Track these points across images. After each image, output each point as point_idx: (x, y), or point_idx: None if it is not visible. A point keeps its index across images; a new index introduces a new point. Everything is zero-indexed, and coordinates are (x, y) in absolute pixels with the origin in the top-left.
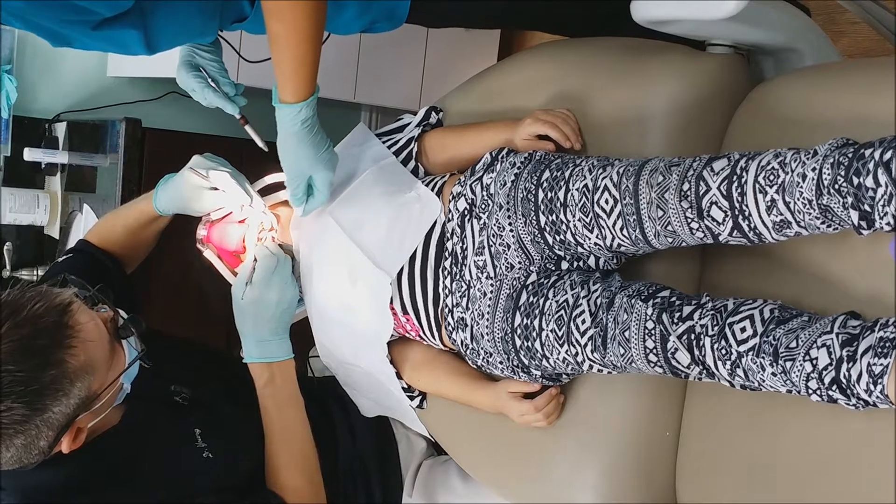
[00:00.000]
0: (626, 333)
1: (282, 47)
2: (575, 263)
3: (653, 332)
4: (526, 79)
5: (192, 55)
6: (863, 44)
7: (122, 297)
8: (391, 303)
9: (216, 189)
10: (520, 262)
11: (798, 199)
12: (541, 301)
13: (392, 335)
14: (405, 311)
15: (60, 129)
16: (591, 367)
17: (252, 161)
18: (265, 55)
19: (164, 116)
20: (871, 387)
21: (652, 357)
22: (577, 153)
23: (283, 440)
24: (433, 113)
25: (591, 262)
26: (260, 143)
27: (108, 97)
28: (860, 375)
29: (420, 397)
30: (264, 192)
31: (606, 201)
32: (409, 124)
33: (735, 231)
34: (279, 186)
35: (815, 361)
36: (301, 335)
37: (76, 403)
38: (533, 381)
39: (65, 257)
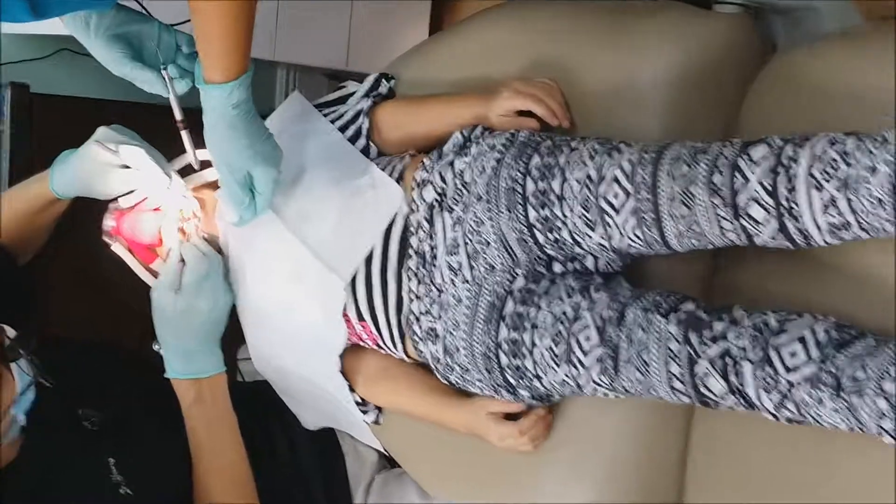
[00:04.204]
0: (645, 356)
1: (206, 12)
2: (570, 265)
3: (677, 354)
4: (494, 42)
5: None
6: None
7: (12, 296)
8: (344, 309)
9: (127, 168)
10: (502, 263)
11: (865, 198)
12: (532, 311)
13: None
14: (360, 318)
15: None
16: (595, 390)
17: (168, 134)
18: (184, 16)
19: (55, 78)
20: None
21: (677, 384)
22: (566, 133)
23: (214, 465)
24: (383, 81)
25: (589, 263)
26: (191, 157)
27: None
28: None
29: (376, 412)
30: (183, 172)
31: (616, 195)
32: (353, 93)
33: (779, 233)
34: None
35: (892, 397)
36: (227, 333)
37: None
38: (518, 401)
39: None
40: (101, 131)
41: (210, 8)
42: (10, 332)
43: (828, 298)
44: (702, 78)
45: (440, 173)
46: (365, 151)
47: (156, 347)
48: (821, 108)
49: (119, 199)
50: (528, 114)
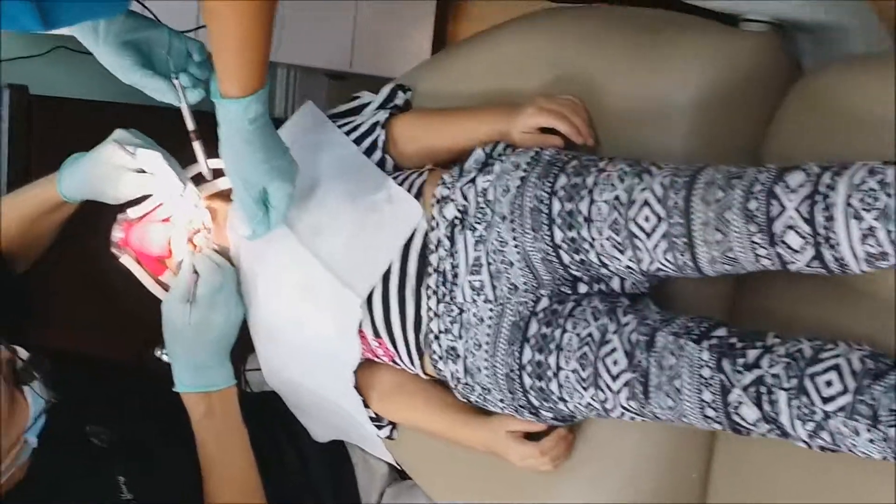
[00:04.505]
0: (676, 382)
1: (223, 23)
2: (595, 286)
3: (710, 381)
4: (516, 55)
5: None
6: None
7: (11, 306)
8: (359, 325)
9: (142, 172)
10: (526, 284)
11: None
12: (557, 333)
13: None
14: (377, 335)
15: None
16: (622, 415)
17: (172, 139)
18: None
19: (51, 78)
20: None
21: (709, 412)
22: (590, 151)
23: (224, 478)
24: (400, 92)
25: (615, 284)
26: (203, 168)
27: None
28: None
29: (390, 427)
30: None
31: (647, 218)
32: (368, 104)
33: (815, 261)
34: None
35: None
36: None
37: None
38: (540, 421)
39: None
40: (119, 133)
41: (228, 22)
42: (23, 353)
43: (859, 324)
44: (729, 97)
45: (461, 191)
46: (380, 164)
47: (158, 354)
48: (849, 131)
49: (128, 209)
50: (550, 130)
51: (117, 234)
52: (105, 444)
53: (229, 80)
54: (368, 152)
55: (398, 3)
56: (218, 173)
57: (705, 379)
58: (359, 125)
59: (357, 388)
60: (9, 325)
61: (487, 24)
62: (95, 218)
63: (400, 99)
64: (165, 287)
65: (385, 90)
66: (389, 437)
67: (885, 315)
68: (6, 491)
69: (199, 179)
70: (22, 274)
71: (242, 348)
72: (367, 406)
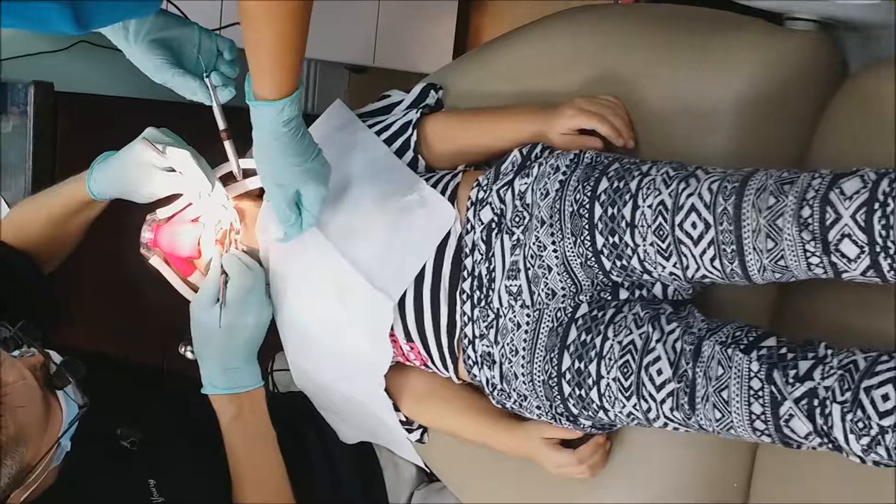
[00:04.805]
0: (724, 394)
1: (259, 27)
2: (636, 292)
3: (760, 393)
4: (552, 54)
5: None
6: None
7: (39, 308)
8: (391, 328)
9: (172, 171)
10: (564, 289)
11: None
12: (597, 340)
13: None
14: (409, 339)
15: None
16: (666, 425)
17: (200, 136)
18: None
19: (73, 73)
20: None
21: (759, 424)
22: (628, 152)
23: (254, 482)
24: (432, 91)
25: (657, 290)
26: (234, 168)
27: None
28: None
29: (420, 430)
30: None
31: (694, 225)
32: (398, 104)
33: (870, 270)
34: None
35: None
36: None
37: (6, 483)
38: (578, 429)
39: None
40: (150, 131)
41: (262, 24)
42: (56, 357)
43: None
44: (774, 98)
45: (498, 193)
46: (412, 165)
47: (182, 350)
48: None
49: (157, 210)
50: (589, 131)
51: (147, 234)
52: (135, 446)
53: (264, 82)
54: (400, 153)
55: None
56: (247, 173)
57: (755, 391)
58: (389, 125)
59: (387, 391)
60: (41, 329)
61: (510, 19)
62: (113, 216)
63: (431, 98)
64: (194, 288)
65: (416, 89)
66: (420, 441)
67: None
68: (37, 497)
69: (225, 179)
70: (48, 275)
71: (269, 349)
72: (397, 409)
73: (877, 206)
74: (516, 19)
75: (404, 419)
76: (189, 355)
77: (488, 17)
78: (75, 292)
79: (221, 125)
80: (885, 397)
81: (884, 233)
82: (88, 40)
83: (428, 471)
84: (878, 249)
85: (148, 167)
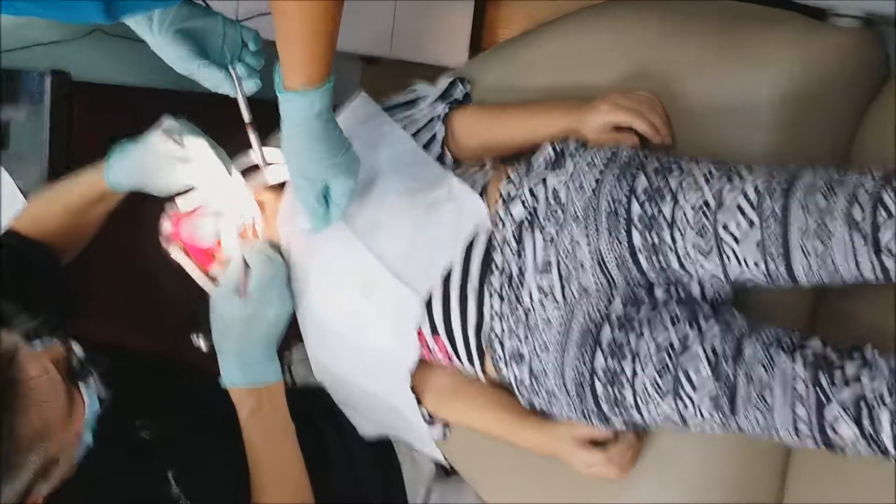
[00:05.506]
0: (767, 396)
1: (291, 14)
2: (672, 291)
3: (805, 396)
4: (586, 48)
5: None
6: None
7: (58, 300)
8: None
9: (190, 162)
10: (598, 287)
11: None
12: (632, 339)
13: None
14: (435, 333)
15: None
16: (702, 427)
17: (218, 126)
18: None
19: (88, 61)
20: None
21: (802, 427)
22: (670, 151)
23: (273, 476)
24: (459, 85)
25: (694, 289)
26: (259, 160)
27: (15, 37)
28: None
29: (442, 426)
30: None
31: (738, 224)
32: (425, 97)
33: None
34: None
35: None
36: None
37: (31, 477)
38: (610, 429)
39: None
40: (167, 121)
41: (294, 10)
42: (79, 350)
43: None
44: (816, 96)
45: (530, 189)
46: (440, 159)
47: (194, 340)
48: None
49: (178, 201)
50: (624, 128)
51: (167, 226)
52: (154, 439)
53: (294, 72)
54: (427, 147)
55: None
56: (270, 163)
57: (799, 393)
58: (416, 118)
59: (411, 387)
60: (60, 320)
61: (526, 13)
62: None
63: (459, 93)
64: (214, 280)
65: (443, 83)
66: (442, 437)
67: None
68: (55, 490)
69: (245, 173)
70: (64, 267)
71: (285, 343)
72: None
73: None
74: (532, 13)
75: (427, 416)
76: (202, 346)
77: (506, 7)
78: (88, 284)
79: (247, 117)
80: None
81: None
82: (103, 29)
83: (447, 466)
84: None
85: (167, 158)
